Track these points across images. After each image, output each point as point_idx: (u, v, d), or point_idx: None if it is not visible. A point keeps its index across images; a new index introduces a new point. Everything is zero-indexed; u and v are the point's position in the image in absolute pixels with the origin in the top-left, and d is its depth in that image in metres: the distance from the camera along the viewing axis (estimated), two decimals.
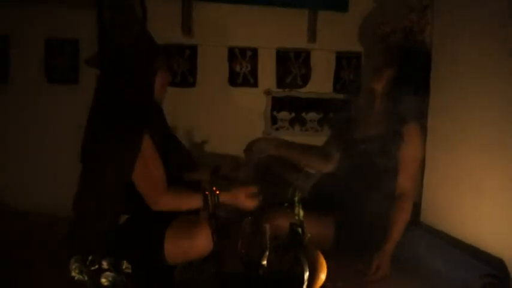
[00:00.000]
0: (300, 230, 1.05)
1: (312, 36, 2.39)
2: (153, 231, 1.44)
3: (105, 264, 1.05)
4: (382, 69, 1.82)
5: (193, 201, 1.44)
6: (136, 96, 1.44)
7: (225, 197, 1.42)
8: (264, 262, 1.01)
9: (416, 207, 1.83)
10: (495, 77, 1.45)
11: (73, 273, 1.00)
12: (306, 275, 0.93)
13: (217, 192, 1.14)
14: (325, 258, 1.11)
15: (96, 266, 1.04)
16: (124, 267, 1.05)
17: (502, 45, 1.41)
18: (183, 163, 1.64)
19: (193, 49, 2.29)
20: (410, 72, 1.80)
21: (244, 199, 1.47)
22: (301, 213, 1.06)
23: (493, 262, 1.40)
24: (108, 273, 1.04)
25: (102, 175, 1.40)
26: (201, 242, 1.39)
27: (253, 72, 2.37)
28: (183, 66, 2.29)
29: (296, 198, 1.06)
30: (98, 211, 1.41)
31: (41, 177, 2.18)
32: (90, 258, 1.03)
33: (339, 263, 1.25)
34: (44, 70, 2.17)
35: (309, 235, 1.03)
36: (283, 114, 2.44)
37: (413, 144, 1.72)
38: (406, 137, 1.71)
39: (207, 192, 1.12)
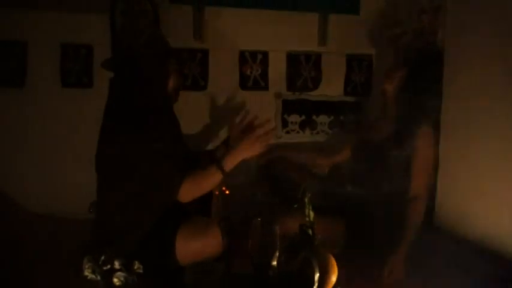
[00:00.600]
0: (310, 231, 1.05)
1: (323, 39, 2.39)
2: (165, 232, 1.45)
3: (117, 264, 1.06)
4: (394, 70, 1.81)
5: (211, 176, 1.43)
6: (149, 100, 1.46)
7: (230, 160, 1.43)
8: (274, 263, 1.01)
9: (430, 210, 1.80)
10: (508, 79, 1.43)
11: (86, 273, 1.02)
12: (317, 276, 0.93)
13: (227, 192, 1.14)
14: (336, 261, 1.11)
15: (109, 266, 1.06)
16: (136, 267, 1.07)
17: None
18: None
19: (205, 53, 2.31)
20: (422, 73, 1.79)
21: (248, 148, 1.46)
22: (312, 214, 1.06)
23: (506, 264, 1.38)
24: (120, 273, 1.06)
25: (122, 185, 1.41)
26: (212, 243, 1.40)
27: (264, 75, 2.38)
28: (195, 69, 2.32)
29: (306, 199, 1.06)
30: (122, 219, 1.42)
31: (56, 181, 2.22)
32: (102, 258, 1.05)
33: (350, 266, 1.23)
34: (60, 74, 2.22)
35: (319, 236, 1.02)
36: (294, 117, 2.44)
37: (426, 146, 1.70)
38: (419, 140, 1.69)
39: (217, 192, 1.13)
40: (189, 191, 1.43)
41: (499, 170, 1.44)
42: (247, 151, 1.47)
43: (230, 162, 1.45)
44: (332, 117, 2.46)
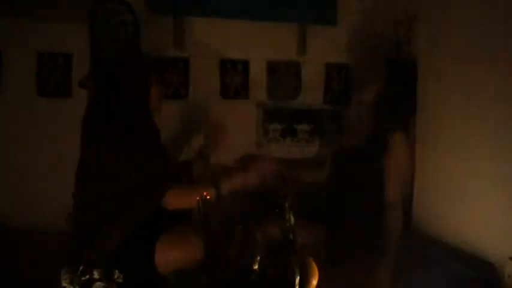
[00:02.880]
0: (291, 235, 1.06)
1: (302, 48, 2.44)
2: (144, 241, 1.43)
3: (96, 274, 1.05)
4: (370, 81, 1.86)
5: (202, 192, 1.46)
6: (131, 112, 1.46)
7: (227, 188, 1.49)
8: (256, 267, 1.02)
9: (408, 216, 1.84)
10: (481, 86, 1.49)
11: (64, 284, 1.00)
12: (297, 279, 0.94)
13: (208, 197, 1.15)
14: (317, 266, 1.12)
15: (87, 276, 1.04)
16: (116, 276, 1.06)
17: (488, 55, 1.46)
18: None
19: (186, 62, 2.32)
20: (398, 83, 1.85)
21: (248, 181, 1.55)
22: (292, 219, 1.08)
23: (484, 267, 1.42)
24: (99, 283, 1.05)
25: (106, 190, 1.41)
26: (192, 253, 1.39)
27: (245, 84, 2.40)
28: (176, 78, 2.32)
29: (287, 204, 1.07)
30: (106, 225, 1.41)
31: (32, 190, 2.17)
32: (81, 268, 1.03)
33: (331, 270, 1.25)
34: (36, 83, 2.18)
35: (300, 240, 1.03)
36: (275, 126, 2.46)
37: (399, 152, 1.74)
38: (392, 146, 1.73)
39: (198, 198, 1.14)
40: (175, 198, 1.44)
41: (475, 174, 1.49)
42: (246, 182, 1.55)
43: (226, 189, 1.50)
44: (312, 126, 2.50)
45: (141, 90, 1.50)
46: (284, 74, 2.44)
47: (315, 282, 1.04)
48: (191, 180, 1.80)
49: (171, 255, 1.39)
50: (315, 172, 2.07)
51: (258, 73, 2.41)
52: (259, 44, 2.39)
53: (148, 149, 1.46)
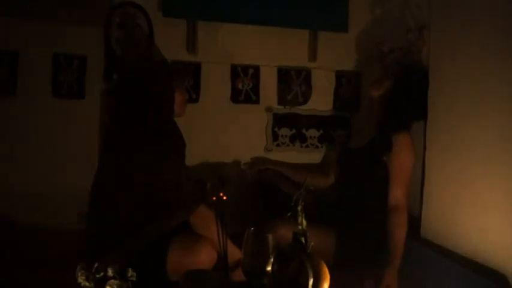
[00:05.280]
0: (303, 239, 1.07)
1: (313, 55, 2.46)
2: (156, 247, 1.44)
3: (110, 272, 1.06)
4: (382, 79, 1.87)
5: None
6: (157, 117, 1.47)
7: None
8: (269, 268, 1.02)
9: (417, 222, 1.84)
10: (491, 90, 1.50)
11: (79, 280, 1.01)
12: (311, 281, 0.94)
13: (225, 198, 1.16)
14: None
15: (102, 274, 1.06)
16: (129, 275, 1.07)
17: (498, 63, 1.47)
18: None
19: (197, 66, 2.35)
20: (408, 86, 1.86)
21: None
22: (304, 222, 1.08)
23: (495, 277, 1.41)
24: (113, 280, 1.06)
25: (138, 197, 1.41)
26: (204, 258, 1.40)
27: (255, 89, 2.43)
28: (187, 82, 2.35)
29: (299, 208, 1.08)
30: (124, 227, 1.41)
31: (45, 190, 2.19)
32: (96, 265, 1.05)
33: (341, 275, 1.25)
34: (51, 85, 2.22)
35: (312, 243, 1.04)
36: (284, 131, 2.48)
37: (403, 153, 1.73)
38: (395, 146, 1.73)
39: (214, 198, 1.14)
40: (199, 217, 1.44)
41: (487, 180, 1.48)
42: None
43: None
44: (321, 131, 2.51)
45: (166, 96, 1.51)
46: (294, 80, 2.46)
47: (326, 285, 1.04)
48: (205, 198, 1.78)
49: (182, 262, 1.39)
50: (322, 178, 2.08)
51: (268, 78, 2.43)
52: (270, 49, 2.41)
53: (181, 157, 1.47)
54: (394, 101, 1.82)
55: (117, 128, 1.50)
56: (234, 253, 1.34)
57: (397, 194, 1.69)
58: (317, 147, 2.50)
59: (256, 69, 2.42)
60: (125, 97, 1.52)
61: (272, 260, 1.06)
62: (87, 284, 1.01)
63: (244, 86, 2.41)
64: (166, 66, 1.54)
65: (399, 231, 1.64)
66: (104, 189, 1.48)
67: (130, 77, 1.50)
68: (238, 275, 1.10)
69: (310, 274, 0.94)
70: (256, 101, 2.43)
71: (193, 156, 2.32)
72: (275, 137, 2.47)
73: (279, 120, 2.46)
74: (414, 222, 1.78)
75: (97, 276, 1.03)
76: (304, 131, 2.50)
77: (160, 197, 1.40)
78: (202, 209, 1.45)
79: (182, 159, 1.54)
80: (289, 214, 1.11)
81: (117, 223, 1.41)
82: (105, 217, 1.45)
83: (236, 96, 2.41)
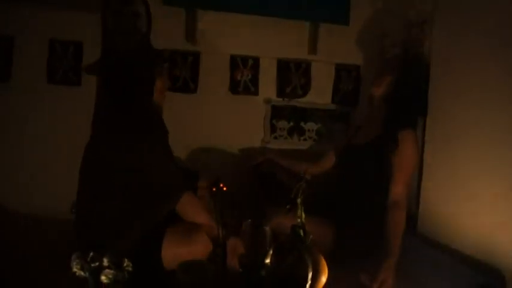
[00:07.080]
0: (301, 232, 1.06)
1: (313, 47, 2.43)
2: (151, 237, 1.42)
3: (105, 262, 1.04)
4: (383, 75, 1.86)
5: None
6: (136, 102, 1.45)
7: None
8: (268, 261, 1.01)
9: (414, 218, 1.84)
10: (493, 86, 1.49)
11: (74, 269, 1.00)
12: (310, 274, 0.93)
13: (225, 188, 1.14)
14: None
15: (97, 264, 1.04)
16: (125, 264, 1.05)
17: (500, 55, 1.46)
18: None
19: (196, 56, 2.32)
20: (409, 81, 1.84)
21: None
22: (303, 215, 1.07)
23: (490, 272, 1.41)
24: (108, 270, 1.04)
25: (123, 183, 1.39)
26: (199, 249, 1.39)
27: (254, 80, 2.40)
28: (185, 72, 2.31)
29: (299, 200, 1.06)
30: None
31: (39, 178, 2.16)
32: (91, 254, 1.03)
33: (339, 268, 1.25)
34: (46, 70, 2.18)
35: (311, 236, 1.03)
36: (282, 123, 2.46)
37: (407, 150, 1.73)
38: (401, 143, 1.72)
39: (214, 189, 1.12)
40: (186, 205, 1.43)
41: (484, 177, 1.48)
42: None
43: None
44: (319, 125, 2.49)
45: (147, 81, 1.49)
46: (294, 72, 2.44)
47: (324, 278, 1.03)
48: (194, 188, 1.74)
49: (178, 253, 1.37)
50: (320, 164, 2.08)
51: (268, 70, 2.40)
52: (270, 41, 2.38)
53: (154, 142, 1.45)
54: (397, 97, 1.80)
55: (99, 111, 1.49)
56: (234, 244, 1.33)
57: (398, 190, 1.69)
58: (315, 140, 2.49)
59: (256, 60, 2.39)
60: (106, 77, 1.50)
61: (271, 252, 1.05)
62: (82, 273, 1.00)
63: (243, 77, 2.39)
64: (150, 50, 1.50)
65: (397, 226, 1.64)
66: (89, 176, 1.46)
67: (114, 58, 1.47)
68: (236, 265, 1.09)
69: (309, 266, 0.93)
70: (255, 93, 2.41)
71: (189, 146, 2.33)
72: (273, 129, 2.45)
73: (278, 113, 2.44)
74: (411, 218, 1.78)
75: (92, 265, 1.01)
76: (302, 124, 2.48)
77: (141, 185, 1.38)
78: (187, 197, 1.43)
79: (164, 147, 1.51)
80: (288, 207, 1.10)
81: (102, 212, 1.39)
82: (92, 205, 1.44)
83: (235, 87, 2.39)
